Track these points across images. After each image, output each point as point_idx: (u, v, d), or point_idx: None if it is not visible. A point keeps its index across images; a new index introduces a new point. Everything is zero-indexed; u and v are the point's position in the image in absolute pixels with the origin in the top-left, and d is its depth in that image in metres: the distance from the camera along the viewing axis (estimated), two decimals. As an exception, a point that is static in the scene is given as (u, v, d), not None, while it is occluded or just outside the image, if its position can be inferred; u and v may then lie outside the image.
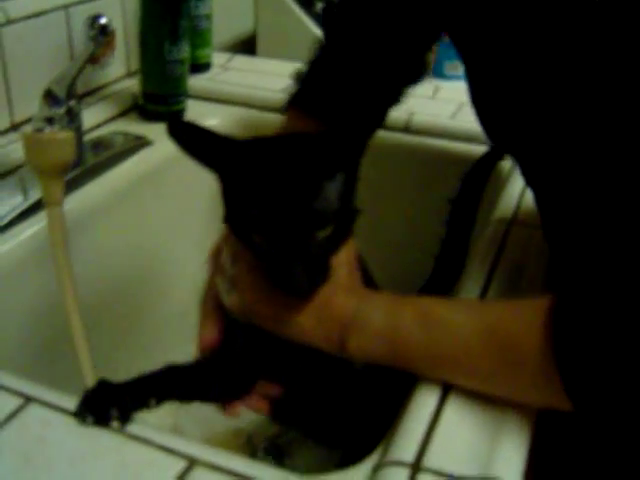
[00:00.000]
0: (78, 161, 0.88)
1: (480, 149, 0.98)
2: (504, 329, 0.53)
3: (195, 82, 1.15)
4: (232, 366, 0.63)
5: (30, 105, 0.88)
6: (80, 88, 1.07)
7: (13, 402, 0.52)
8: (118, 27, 1.10)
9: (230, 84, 1.17)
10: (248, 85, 1.16)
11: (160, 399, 0.54)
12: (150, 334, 1.02)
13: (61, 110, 0.83)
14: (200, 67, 1.20)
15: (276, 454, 0.90)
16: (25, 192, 0.84)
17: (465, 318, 0.55)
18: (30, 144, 0.69)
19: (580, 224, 0.56)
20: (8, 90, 0.92)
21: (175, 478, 0.47)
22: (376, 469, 0.50)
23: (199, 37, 1.17)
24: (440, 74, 1.51)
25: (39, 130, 0.71)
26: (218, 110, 1.13)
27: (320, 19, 1.38)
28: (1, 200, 0.82)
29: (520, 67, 0.56)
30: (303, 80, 0.79)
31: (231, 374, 0.63)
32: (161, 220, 1.02)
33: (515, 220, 0.82)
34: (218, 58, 1.26)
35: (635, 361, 0.46)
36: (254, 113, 1.12)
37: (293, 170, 0.54)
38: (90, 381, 0.69)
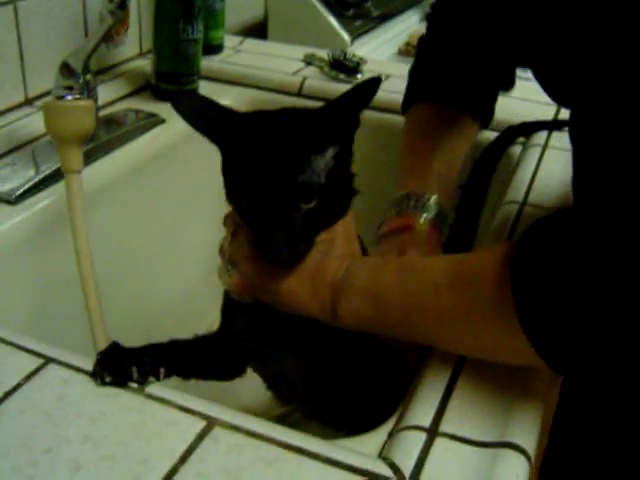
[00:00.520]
0: (92, 136, 0.89)
1: (491, 135, 0.99)
2: (468, 268, 0.53)
3: (207, 63, 1.15)
4: (230, 346, 0.64)
5: (44, 80, 0.89)
6: (94, 66, 1.08)
7: (33, 362, 0.53)
8: (132, 6, 1.10)
9: (242, 66, 1.17)
10: (259, 67, 1.16)
11: (168, 371, 0.54)
12: (160, 309, 1.02)
13: (78, 83, 0.83)
14: (213, 48, 1.20)
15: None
16: (37, 165, 0.84)
17: (437, 265, 0.56)
18: (51, 111, 0.70)
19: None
20: (23, 64, 0.92)
21: (195, 437, 0.47)
22: (392, 434, 0.51)
23: (212, 18, 1.17)
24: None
25: (59, 98, 0.71)
26: (229, 91, 1.13)
27: (330, 5, 1.39)
28: (14, 173, 0.82)
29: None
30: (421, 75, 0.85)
31: (229, 354, 0.64)
32: (173, 197, 1.02)
33: (526, 202, 0.82)
34: (230, 41, 1.27)
35: (584, 292, 0.45)
36: (264, 94, 1.12)
37: (283, 142, 0.55)
38: (102, 346, 0.70)
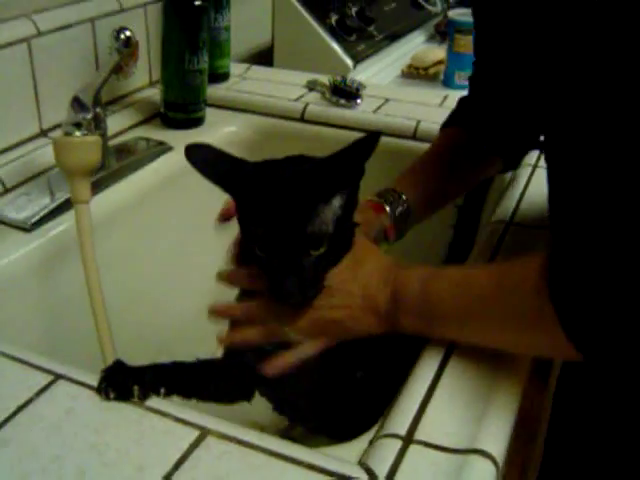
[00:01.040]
0: (102, 165, 0.94)
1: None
2: (509, 281, 0.59)
3: (214, 91, 1.21)
4: (234, 372, 0.68)
5: (57, 112, 0.94)
6: (105, 96, 1.13)
7: (44, 379, 0.58)
8: (141, 39, 1.16)
9: (247, 93, 1.22)
10: (264, 94, 1.22)
11: (169, 390, 0.59)
12: (168, 331, 1.07)
13: (88, 116, 0.89)
14: (219, 77, 1.25)
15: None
16: (52, 193, 0.89)
17: (483, 273, 0.63)
18: (61, 147, 0.75)
19: (581, 194, 0.60)
20: (37, 98, 0.98)
21: (189, 445, 0.52)
22: (372, 442, 0.55)
23: (218, 48, 1.22)
24: (450, 84, 1.56)
25: (68, 134, 0.77)
26: (235, 117, 1.18)
27: (334, 31, 1.44)
28: (30, 201, 0.87)
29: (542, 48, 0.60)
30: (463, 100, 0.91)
31: (231, 379, 0.68)
32: (180, 222, 1.07)
33: (512, 222, 0.86)
34: (237, 68, 1.32)
35: (621, 295, 0.51)
36: (269, 120, 1.17)
37: (292, 193, 0.60)
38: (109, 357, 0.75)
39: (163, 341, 1.05)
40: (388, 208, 0.81)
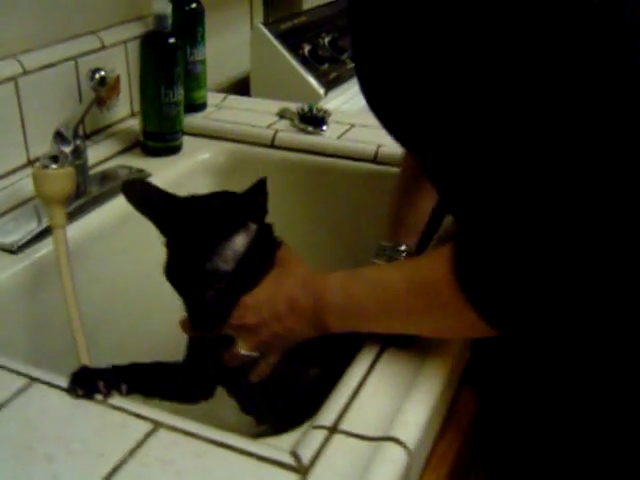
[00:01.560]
0: (84, 191, 1.03)
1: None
2: (420, 271, 0.67)
3: (191, 120, 1.30)
4: (194, 373, 0.77)
5: (43, 144, 1.03)
6: (90, 127, 1.24)
7: (21, 382, 0.66)
8: (123, 73, 1.26)
9: (222, 121, 1.31)
10: (238, 122, 1.31)
11: (130, 388, 0.67)
12: (150, 347, 1.14)
13: (69, 148, 0.98)
14: (196, 107, 1.34)
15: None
16: (39, 219, 0.98)
17: (396, 273, 0.70)
18: (38, 178, 0.84)
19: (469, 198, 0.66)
20: (24, 131, 1.07)
21: (143, 436, 0.60)
22: (305, 432, 0.64)
23: (194, 81, 1.32)
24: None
25: (45, 166, 0.86)
26: (211, 145, 1.27)
27: (306, 61, 1.53)
28: (18, 226, 0.96)
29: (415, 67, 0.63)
30: None
31: (192, 380, 0.77)
32: (159, 245, 1.15)
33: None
34: (214, 98, 1.41)
35: (519, 272, 0.58)
36: (241, 147, 1.26)
37: (194, 232, 0.70)
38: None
39: (145, 353, 1.13)
40: None
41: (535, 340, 0.69)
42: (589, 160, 0.55)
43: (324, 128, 1.27)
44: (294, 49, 1.53)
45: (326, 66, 1.57)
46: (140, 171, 1.15)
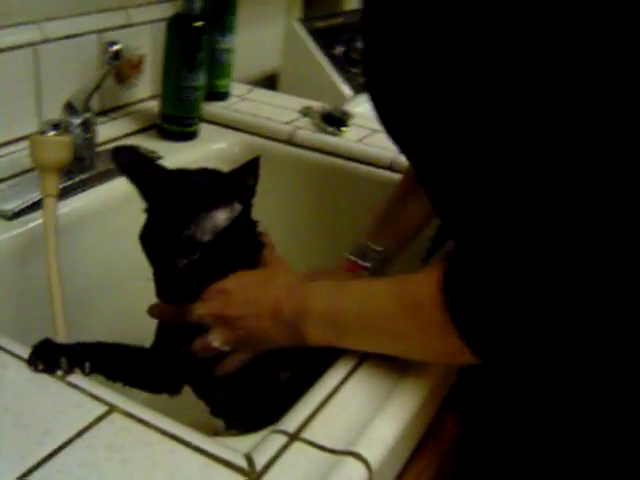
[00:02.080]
0: (89, 166, 1.02)
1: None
2: (410, 296, 0.63)
3: (212, 108, 1.29)
4: (162, 361, 0.74)
5: (56, 114, 1.02)
6: (108, 103, 1.22)
7: (-21, 347, 0.64)
8: (148, 53, 1.25)
9: (242, 113, 1.29)
10: (258, 115, 1.29)
11: (93, 367, 0.65)
12: (141, 324, 1.13)
13: (78, 120, 0.97)
14: (218, 95, 1.33)
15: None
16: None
17: (383, 290, 0.66)
18: (34, 143, 0.83)
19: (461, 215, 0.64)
20: (38, 99, 1.06)
21: (95, 418, 0.58)
22: (265, 435, 0.60)
23: (219, 68, 1.30)
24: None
25: (42, 133, 0.84)
26: (228, 135, 1.25)
27: (338, 62, 1.51)
28: (18, 193, 0.94)
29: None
30: None
31: (159, 368, 0.74)
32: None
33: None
34: (239, 89, 1.39)
35: (508, 299, 0.55)
36: (259, 140, 1.24)
37: (176, 200, 0.68)
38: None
39: (136, 332, 1.11)
40: (368, 264, 0.88)
41: (521, 370, 0.66)
42: (590, 186, 0.51)
43: (345, 130, 1.24)
44: (327, 49, 1.50)
45: (357, 69, 1.54)
46: (151, 152, 1.13)
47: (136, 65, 1.21)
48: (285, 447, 0.58)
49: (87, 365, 0.64)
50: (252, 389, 0.75)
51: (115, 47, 0.90)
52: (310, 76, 1.48)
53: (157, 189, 0.69)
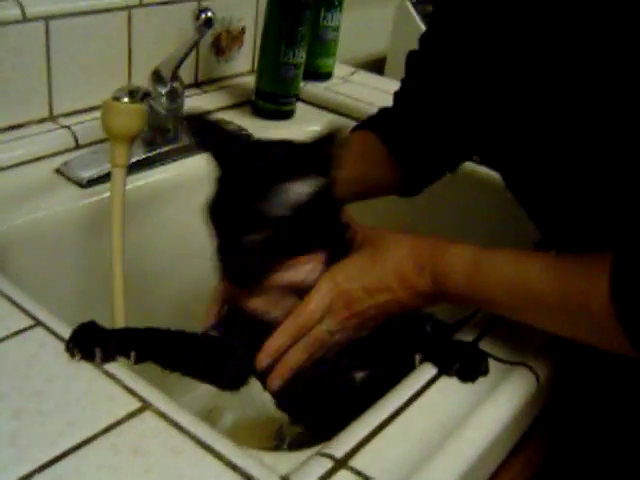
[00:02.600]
0: (173, 138, 0.97)
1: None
2: (575, 288, 0.57)
3: (312, 88, 1.22)
4: (222, 353, 0.67)
5: (146, 81, 0.98)
6: (204, 75, 1.18)
7: (25, 322, 0.60)
8: (250, 27, 1.19)
9: (344, 95, 1.22)
10: (361, 99, 1.21)
11: (140, 355, 0.60)
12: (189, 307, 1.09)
13: (164, 89, 0.92)
14: (320, 75, 1.26)
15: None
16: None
17: (541, 277, 0.60)
18: (106, 109, 0.78)
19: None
20: (130, 65, 1.02)
21: (125, 414, 0.53)
22: (310, 456, 0.54)
23: (323, 47, 1.23)
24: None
25: (117, 99, 0.80)
26: (325, 117, 1.18)
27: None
28: (96, 160, 0.91)
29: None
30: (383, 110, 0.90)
31: (220, 361, 0.67)
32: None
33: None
34: (342, 70, 1.32)
35: None
36: (351, 124, 1.16)
37: (253, 172, 0.60)
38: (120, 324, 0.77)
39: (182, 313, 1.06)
40: None
41: None
42: None
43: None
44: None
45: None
46: (242, 130, 1.08)
47: (236, 37, 1.16)
48: (329, 474, 0.51)
49: (132, 354, 0.59)
50: (324, 387, 0.68)
51: (207, 14, 0.85)
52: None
53: (233, 155, 0.63)
